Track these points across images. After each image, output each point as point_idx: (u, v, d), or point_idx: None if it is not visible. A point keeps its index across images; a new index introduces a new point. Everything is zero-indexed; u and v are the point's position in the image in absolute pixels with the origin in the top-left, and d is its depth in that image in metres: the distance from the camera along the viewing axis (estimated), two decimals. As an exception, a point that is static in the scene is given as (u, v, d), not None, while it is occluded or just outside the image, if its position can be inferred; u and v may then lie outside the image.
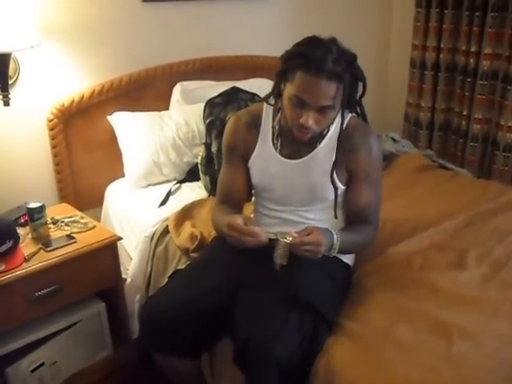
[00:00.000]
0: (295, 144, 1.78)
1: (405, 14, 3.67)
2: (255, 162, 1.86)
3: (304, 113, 1.62)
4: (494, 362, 1.48)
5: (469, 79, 3.36)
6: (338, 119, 1.76)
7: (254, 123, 1.85)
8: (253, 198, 2.01)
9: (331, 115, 1.67)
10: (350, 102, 1.74)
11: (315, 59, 1.56)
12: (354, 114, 1.80)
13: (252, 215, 1.99)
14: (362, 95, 1.76)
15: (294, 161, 1.80)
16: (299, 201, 1.83)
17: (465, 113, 3.43)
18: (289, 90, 1.65)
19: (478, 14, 3.21)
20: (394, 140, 3.32)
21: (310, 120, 1.62)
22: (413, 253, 2.02)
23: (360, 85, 1.72)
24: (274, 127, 1.82)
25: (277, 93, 1.76)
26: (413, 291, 1.79)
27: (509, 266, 1.94)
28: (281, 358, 1.47)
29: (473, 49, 3.29)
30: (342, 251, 1.75)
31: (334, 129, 1.78)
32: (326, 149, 1.77)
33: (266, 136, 1.84)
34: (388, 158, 2.90)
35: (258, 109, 1.87)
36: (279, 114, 1.80)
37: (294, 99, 1.63)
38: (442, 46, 3.45)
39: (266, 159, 1.84)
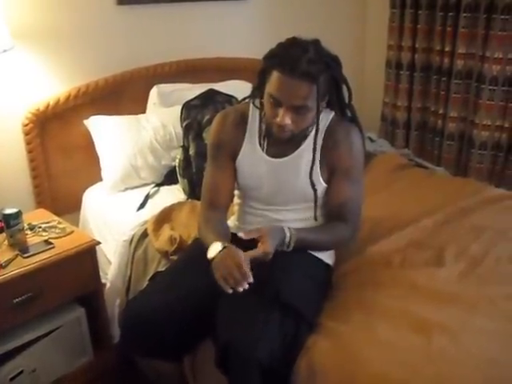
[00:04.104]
0: (281, 144, 1.79)
1: (380, 14, 3.70)
2: (242, 161, 1.85)
3: (280, 112, 1.64)
4: (475, 359, 1.49)
5: (444, 78, 3.40)
6: (322, 119, 1.77)
7: (241, 121, 1.85)
8: (235, 199, 1.98)
9: (308, 116, 1.67)
10: (334, 104, 1.76)
11: (290, 59, 1.58)
12: (335, 112, 1.81)
13: (233, 217, 1.98)
14: (350, 99, 1.78)
15: (279, 159, 1.81)
16: (284, 200, 1.84)
17: (440, 112, 3.47)
18: (267, 88, 1.66)
19: (451, 14, 3.25)
20: (371, 140, 3.36)
21: (285, 119, 1.63)
22: (392, 251, 2.03)
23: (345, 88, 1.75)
24: (260, 127, 1.82)
25: (258, 93, 1.76)
26: (392, 289, 1.81)
27: (485, 262, 1.96)
28: (263, 359, 1.47)
29: (447, 48, 3.33)
30: (304, 248, 1.75)
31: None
32: (310, 147, 1.78)
33: (253, 135, 1.83)
34: (365, 158, 2.92)
35: (245, 107, 1.87)
36: (264, 114, 1.80)
37: (270, 98, 1.65)
38: (416, 46, 3.49)
39: (253, 159, 1.83)
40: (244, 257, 1.55)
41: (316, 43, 1.65)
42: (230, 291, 1.50)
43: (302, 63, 1.56)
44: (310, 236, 1.77)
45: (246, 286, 1.49)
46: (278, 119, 1.65)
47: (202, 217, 1.86)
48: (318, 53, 1.62)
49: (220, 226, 1.81)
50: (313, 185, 1.78)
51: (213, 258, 1.59)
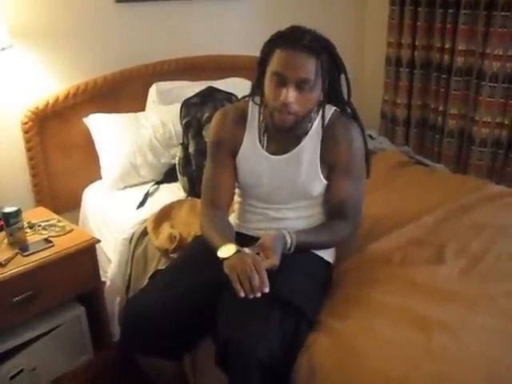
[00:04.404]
0: (281, 140, 1.79)
1: (379, 11, 3.70)
2: (243, 159, 1.84)
3: (283, 90, 1.63)
4: (475, 356, 1.48)
5: (444, 76, 3.40)
6: (321, 113, 1.77)
7: (241, 118, 1.84)
8: (235, 197, 1.97)
9: (311, 96, 1.66)
10: (335, 96, 1.77)
11: (292, 36, 1.62)
12: (335, 108, 1.80)
13: (233, 215, 1.98)
14: (349, 95, 1.78)
15: (279, 156, 1.80)
16: (285, 198, 1.83)
17: (440, 109, 3.47)
18: (269, 71, 1.67)
19: (450, 11, 3.25)
20: (371, 137, 3.35)
21: (289, 96, 1.62)
22: (392, 248, 2.03)
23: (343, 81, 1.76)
24: (260, 124, 1.82)
25: (258, 90, 1.76)
26: (392, 286, 1.80)
27: (486, 259, 1.96)
28: (263, 357, 1.47)
29: (447, 46, 3.33)
30: (304, 249, 1.75)
31: (318, 123, 1.78)
32: (311, 144, 1.78)
33: (253, 133, 1.83)
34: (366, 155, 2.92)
35: (244, 105, 1.86)
36: (264, 111, 1.79)
37: (273, 77, 1.65)
38: (416, 43, 3.49)
39: (253, 156, 1.82)
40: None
41: (313, 30, 1.67)
42: (243, 295, 1.49)
43: (304, 39, 1.61)
44: (310, 237, 1.77)
45: (259, 295, 1.49)
46: (282, 97, 1.63)
47: (205, 216, 1.85)
48: (317, 35, 1.66)
49: (224, 225, 1.81)
50: (323, 163, 1.78)
51: (225, 259, 1.59)
